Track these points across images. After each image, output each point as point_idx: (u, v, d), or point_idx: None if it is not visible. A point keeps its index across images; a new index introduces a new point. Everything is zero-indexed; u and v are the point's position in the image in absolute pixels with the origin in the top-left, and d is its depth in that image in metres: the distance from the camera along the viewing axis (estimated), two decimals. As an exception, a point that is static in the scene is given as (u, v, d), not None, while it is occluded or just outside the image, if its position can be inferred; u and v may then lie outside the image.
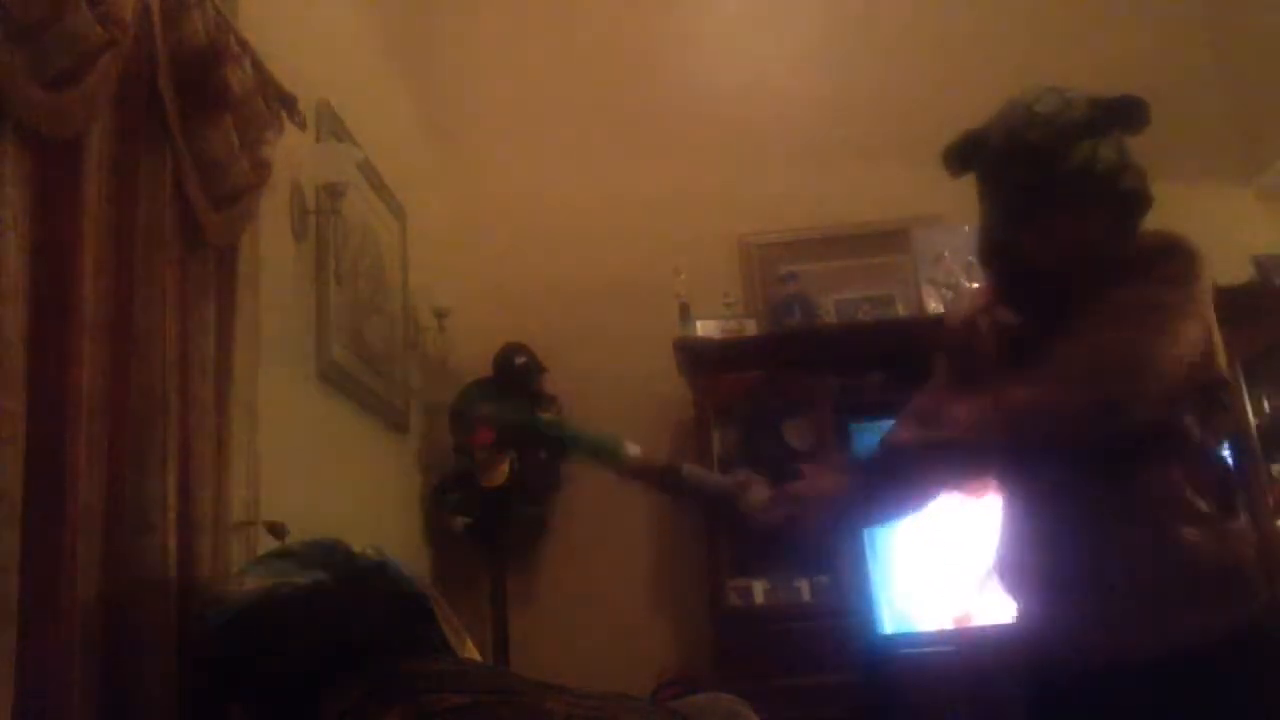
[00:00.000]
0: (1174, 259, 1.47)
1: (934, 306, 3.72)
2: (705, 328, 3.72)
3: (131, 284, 1.78)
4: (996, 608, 3.31)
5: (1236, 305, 3.64)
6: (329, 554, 1.98)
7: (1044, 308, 1.55)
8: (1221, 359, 1.51)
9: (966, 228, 3.88)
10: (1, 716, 1.39)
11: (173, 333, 1.86)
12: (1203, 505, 1.48)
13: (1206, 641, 1.43)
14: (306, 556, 1.95)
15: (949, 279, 3.78)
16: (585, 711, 1.70)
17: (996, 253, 1.61)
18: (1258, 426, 3.46)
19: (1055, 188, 1.50)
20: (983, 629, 3.23)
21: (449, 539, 3.61)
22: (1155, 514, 1.47)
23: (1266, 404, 3.53)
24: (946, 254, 3.80)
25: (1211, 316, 1.48)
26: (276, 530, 2.16)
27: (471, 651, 2.09)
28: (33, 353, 1.53)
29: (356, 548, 2.03)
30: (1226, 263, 3.75)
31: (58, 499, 1.53)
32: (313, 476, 2.60)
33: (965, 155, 1.61)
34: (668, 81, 4.23)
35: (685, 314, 3.68)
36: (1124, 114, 1.53)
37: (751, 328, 3.78)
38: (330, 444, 2.80)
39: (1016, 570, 1.62)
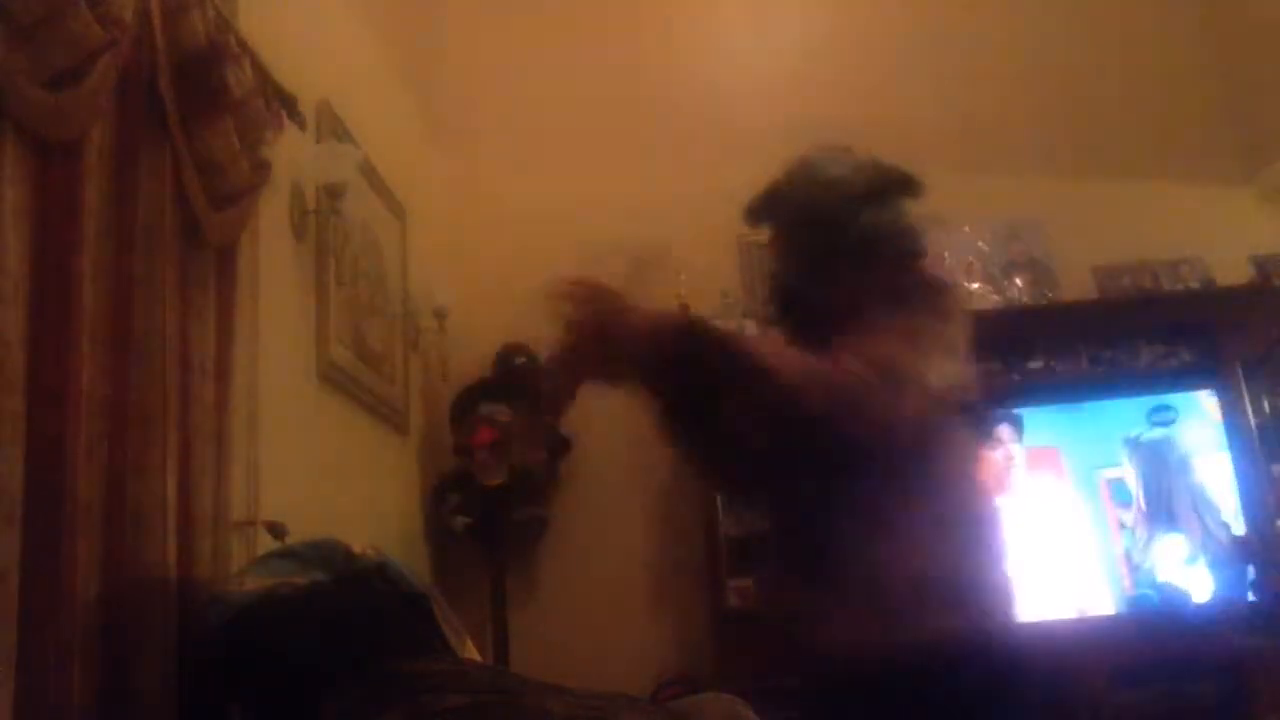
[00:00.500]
0: (943, 295, 1.61)
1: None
2: (705, 328, 3.71)
3: (131, 284, 1.78)
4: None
5: (1236, 305, 3.67)
6: (329, 554, 1.98)
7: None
8: (976, 387, 1.57)
9: (967, 228, 3.89)
10: (1, 716, 1.39)
11: (173, 333, 1.86)
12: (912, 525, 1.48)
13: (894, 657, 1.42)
14: (306, 556, 1.95)
15: (949, 279, 3.78)
16: (585, 711, 1.70)
17: (789, 301, 1.75)
18: (1258, 426, 3.46)
19: (841, 250, 1.64)
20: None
21: (449, 539, 3.60)
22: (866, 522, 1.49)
23: (1267, 404, 3.53)
24: (946, 254, 3.80)
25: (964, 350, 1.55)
26: (276, 530, 2.16)
27: (471, 651, 2.09)
28: (33, 353, 1.53)
29: (356, 548, 2.03)
30: (1226, 263, 3.78)
31: (58, 499, 1.53)
32: (313, 476, 2.59)
33: (763, 212, 1.77)
34: (668, 81, 4.23)
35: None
36: (902, 184, 1.69)
37: (751, 328, 3.78)
38: (330, 444, 2.80)
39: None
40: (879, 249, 1.64)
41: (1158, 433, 3.52)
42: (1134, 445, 3.52)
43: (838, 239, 1.64)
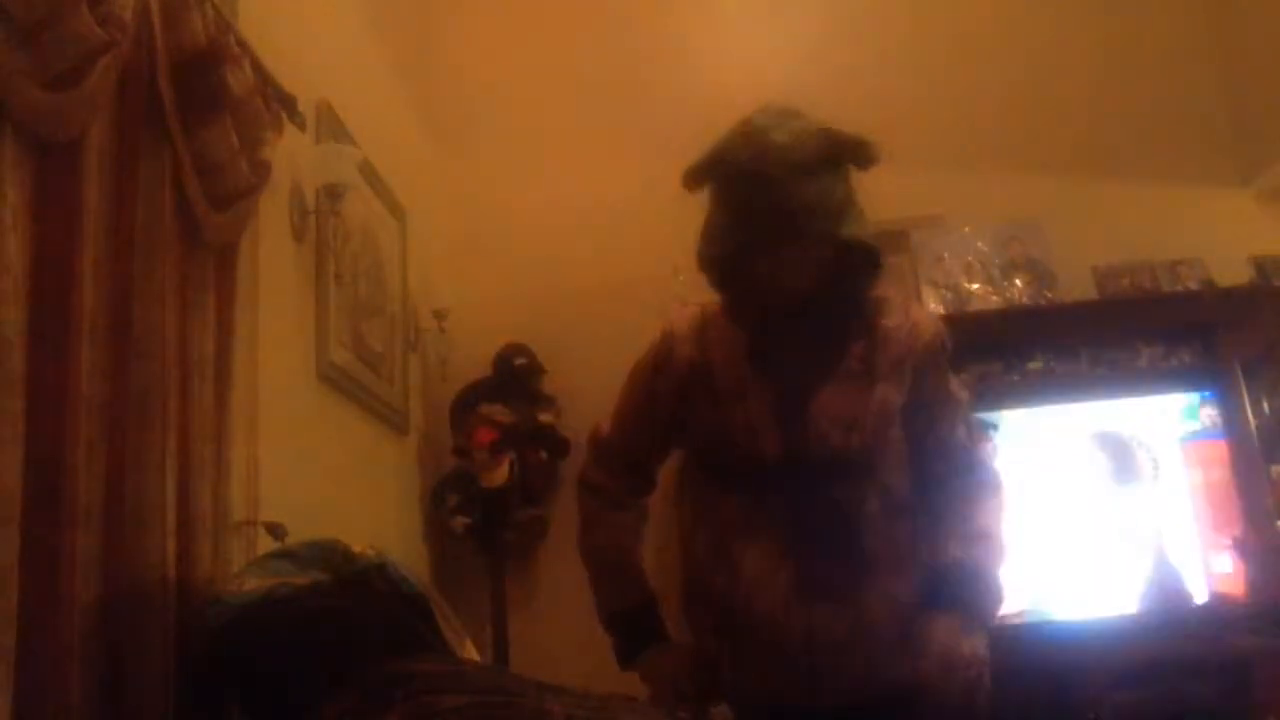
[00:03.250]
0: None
1: (934, 307, 3.72)
2: (705, 328, 3.71)
3: (131, 284, 1.78)
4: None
5: (1236, 306, 3.67)
6: (329, 554, 1.98)
7: (772, 324, 1.69)
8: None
9: (967, 228, 3.89)
10: (1, 716, 1.39)
11: (172, 333, 1.86)
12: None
13: None
14: (306, 557, 1.95)
15: (949, 279, 3.78)
16: (585, 712, 1.70)
17: (730, 269, 1.72)
18: (1258, 427, 3.46)
19: (785, 220, 1.58)
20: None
21: (449, 539, 3.60)
22: None
23: (1266, 404, 3.53)
24: (946, 255, 3.80)
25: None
26: (276, 530, 2.16)
27: (471, 651, 2.09)
28: (33, 353, 1.53)
29: (356, 548, 2.03)
30: (1226, 263, 3.78)
31: (58, 499, 1.53)
32: (313, 476, 2.59)
33: (703, 174, 1.74)
34: (667, 81, 4.23)
35: (685, 314, 3.67)
36: (854, 151, 1.60)
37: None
38: (330, 444, 2.80)
39: None
40: (823, 224, 1.58)
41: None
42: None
43: (784, 208, 1.57)
